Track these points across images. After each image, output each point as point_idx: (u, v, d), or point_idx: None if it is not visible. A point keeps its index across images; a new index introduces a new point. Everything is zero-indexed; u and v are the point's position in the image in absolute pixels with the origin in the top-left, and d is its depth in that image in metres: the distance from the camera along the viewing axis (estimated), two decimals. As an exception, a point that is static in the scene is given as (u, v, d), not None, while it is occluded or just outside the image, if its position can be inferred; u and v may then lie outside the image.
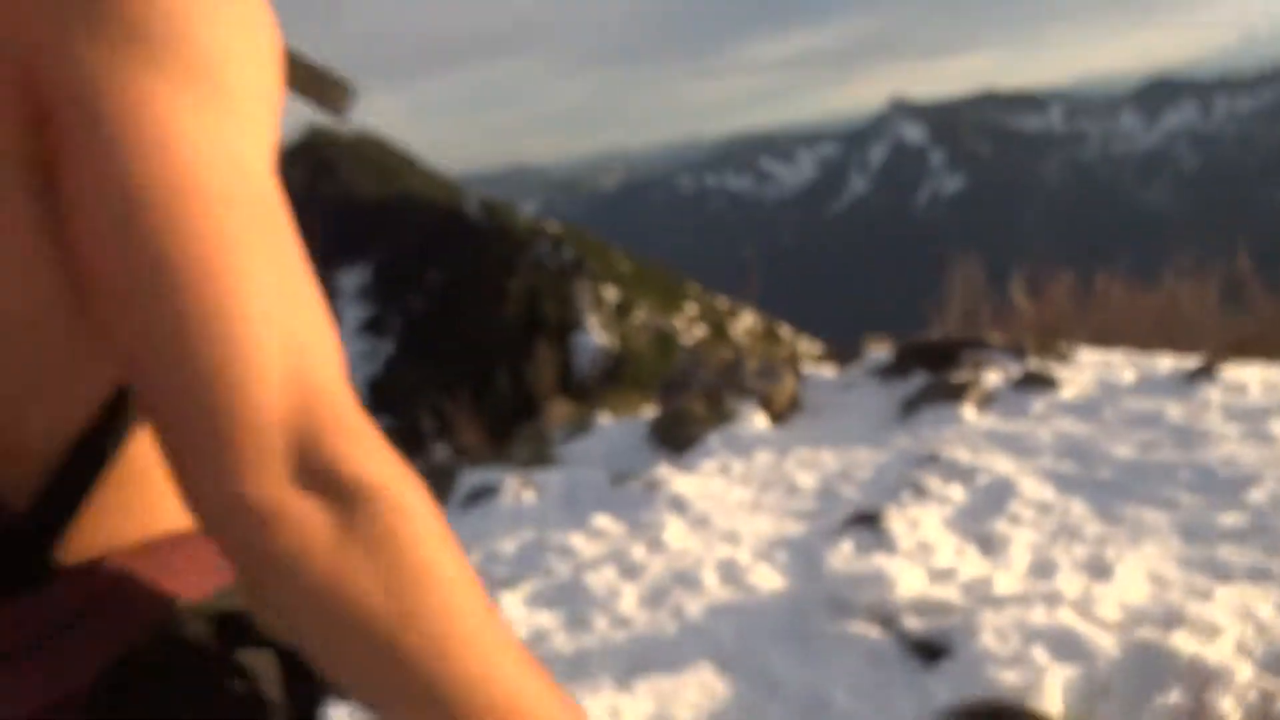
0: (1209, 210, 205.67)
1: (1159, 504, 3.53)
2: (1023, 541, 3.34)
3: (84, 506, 0.53)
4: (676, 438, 5.02)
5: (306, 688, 0.56)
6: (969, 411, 4.85)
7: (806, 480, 4.31)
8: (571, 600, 3.30)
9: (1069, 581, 2.96)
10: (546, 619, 3.17)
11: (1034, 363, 5.40)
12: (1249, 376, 4.77)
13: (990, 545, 3.36)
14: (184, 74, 0.46)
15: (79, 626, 0.51)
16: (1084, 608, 2.75)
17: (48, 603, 0.51)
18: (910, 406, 5.07)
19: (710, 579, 3.30)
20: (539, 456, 5.15)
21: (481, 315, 76.33)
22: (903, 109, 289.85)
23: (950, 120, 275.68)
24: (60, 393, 0.52)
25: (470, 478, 4.86)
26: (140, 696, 0.51)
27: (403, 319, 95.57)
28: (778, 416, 5.29)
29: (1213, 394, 4.61)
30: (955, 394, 4.96)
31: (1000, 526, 3.48)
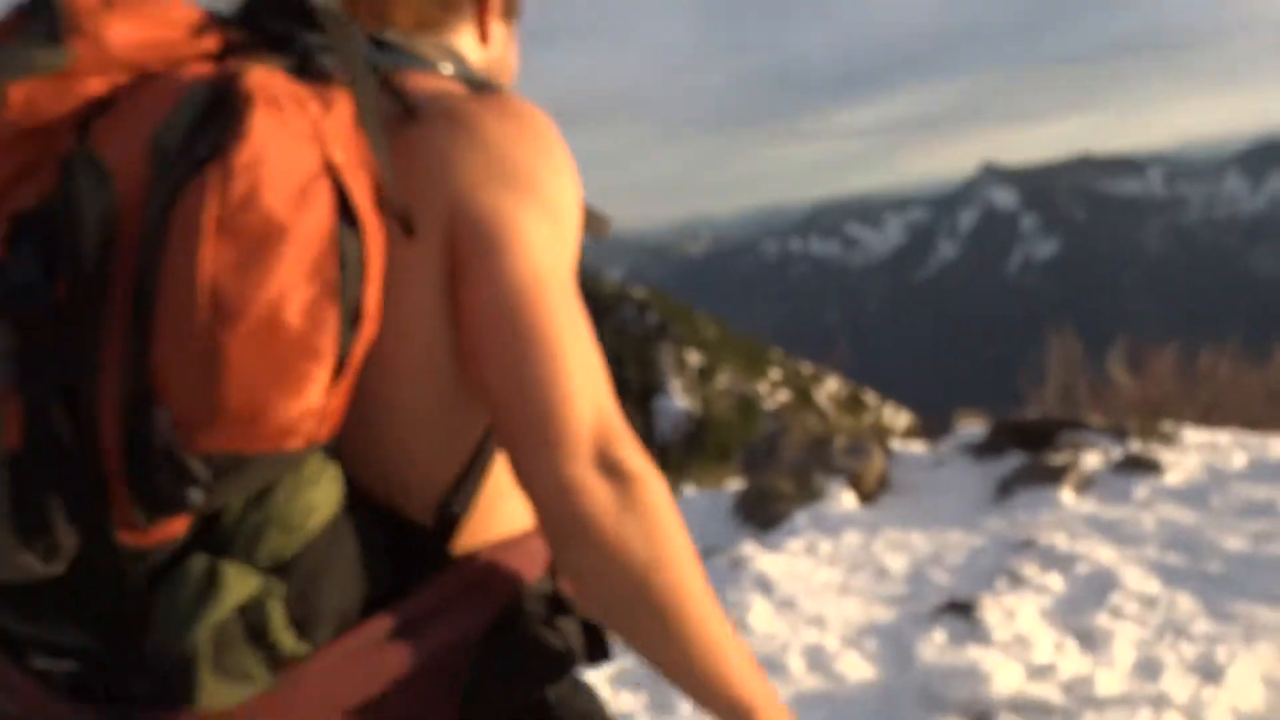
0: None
1: (1274, 601, 3.36)
2: (1126, 637, 3.20)
3: (465, 517, 0.80)
4: (763, 514, 4.98)
5: (598, 650, 0.84)
6: (1068, 495, 4.70)
7: (896, 563, 4.22)
8: (656, 683, 3.27)
9: (1177, 683, 2.83)
10: (630, 701, 3.15)
11: (1136, 445, 5.22)
12: (1372, 464, 4.53)
13: (1091, 640, 3.23)
14: (540, 207, 0.76)
15: (462, 601, 0.78)
16: (1193, 713, 2.63)
17: (443, 585, 0.78)
18: (1005, 488, 4.94)
19: (797, 665, 3.24)
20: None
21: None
22: (994, 173, 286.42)
23: (1043, 185, 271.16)
24: (450, 435, 0.80)
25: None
26: (501, 649, 0.79)
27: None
28: (867, 495, 5.21)
29: (1332, 482, 4.39)
30: (1053, 476, 4.81)
31: (1102, 620, 3.35)
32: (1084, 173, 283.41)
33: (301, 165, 0.63)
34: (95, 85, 0.64)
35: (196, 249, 0.59)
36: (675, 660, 0.76)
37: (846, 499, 5.08)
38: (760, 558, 4.32)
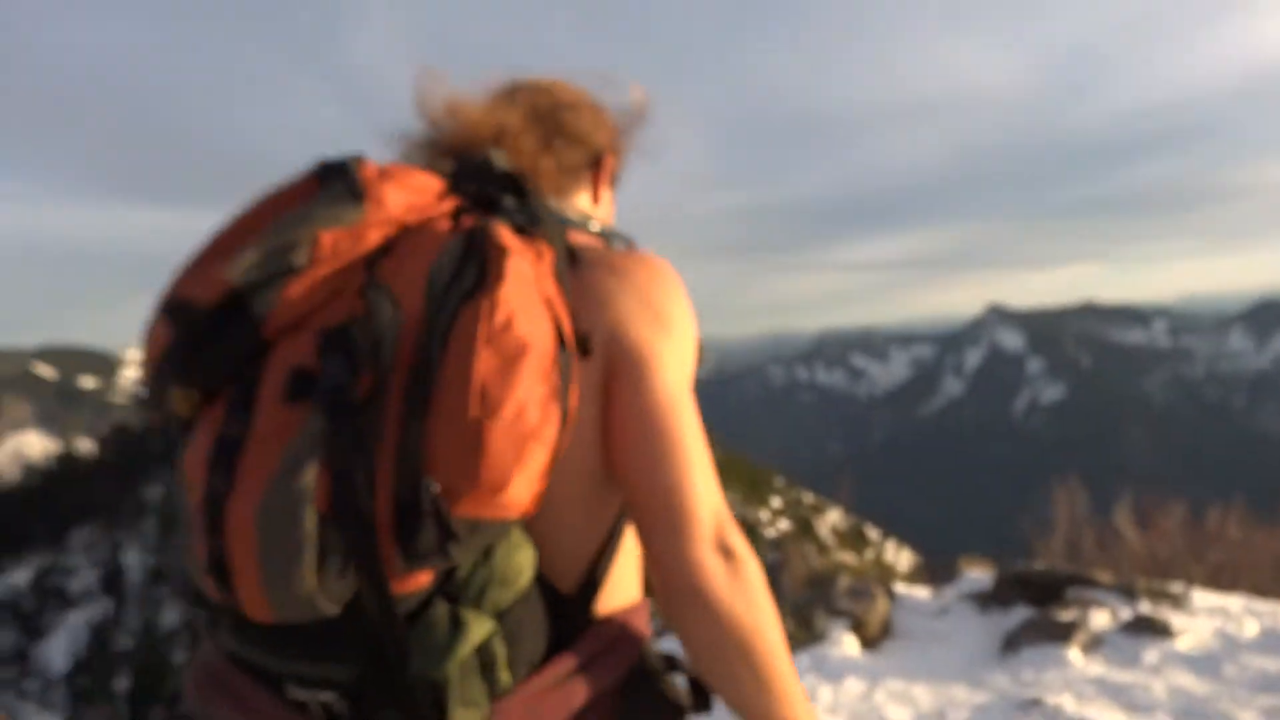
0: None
1: (1291, 785, 3.24)
2: (1138, 814, 3.08)
3: (601, 586, 0.97)
4: (762, 654, 4.86)
5: (702, 702, 1.00)
6: (1075, 655, 4.59)
7: (899, 716, 4.10)
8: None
9: None
10: None
11: (1145, 605, 5.12)
12: (1387, 642, 4.43)
13: (1101, 815, 3.11)
14: (673, 340, 0.97)
15: (606, 656, 0.95)
16: None
17: (591, 642, 0.94)
18: (1011, 643, 4.83)
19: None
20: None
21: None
22: (1001, 314, 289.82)
23: (1050, 329, 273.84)
24: (591, 517, 0.97)
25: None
26: (638, 698, 0.96)
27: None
28: (869, 641, 5.09)
29: (1346, 659, 4.28)
30: (1060, 634, 4.71)
31: (1112, 793, 3.23)
32: (1090, 319, 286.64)
33: (534, 299, 0.86)
34: (376, 235, 0.86)
35: (472, 360, 0.80)
36: (764, 709, 0.96)
37: (849, 643, 4.97)
38: (759, 701, 4.19)
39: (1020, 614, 5.17)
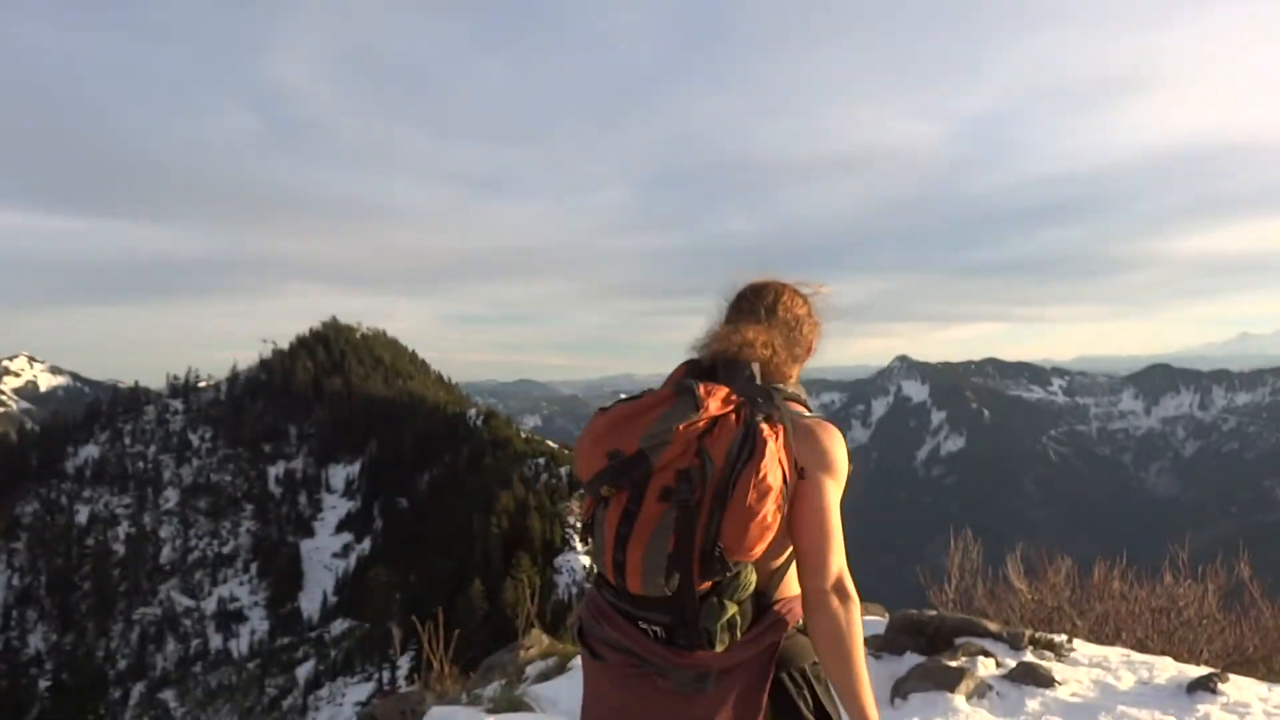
0: (1207, 498, 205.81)
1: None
2: None
3: (776, 590, 2.02)
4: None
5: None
6: (961, 701, 4.65)
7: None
8: None
9: None
10: None
11: (1030, 654, 5.24)
12: (1250, 694, 4.61)
13: None
14: (834, 477, 2.01)
15: (777, 625, 2.00)
16: None
17: (770, 617, 1.99)
18: (900, 688, 4.88)
19: None
20: (509, 700, 4.91)
21: (464, 524, 74.79)
22: (908, 366, 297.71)
23: (953, 382, 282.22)
24: (774, 557, 1.98)
25: (436, 716, 4.62)
26: (793, 651, 2.02)
27: (385, 520, 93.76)
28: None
29: (1213, 711, 4.44)
30: (948, 681, 4.78)
31: (989, 842, 3.25)
32: (991, 374, 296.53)
33: (777, 460, 1.88)
34: (703, 424, 1.87)
35: (748, 492, 1.83)
36: (847, 681, 1.95)
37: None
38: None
39: (911, 660, 5.23)
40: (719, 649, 1.89)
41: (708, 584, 1.86)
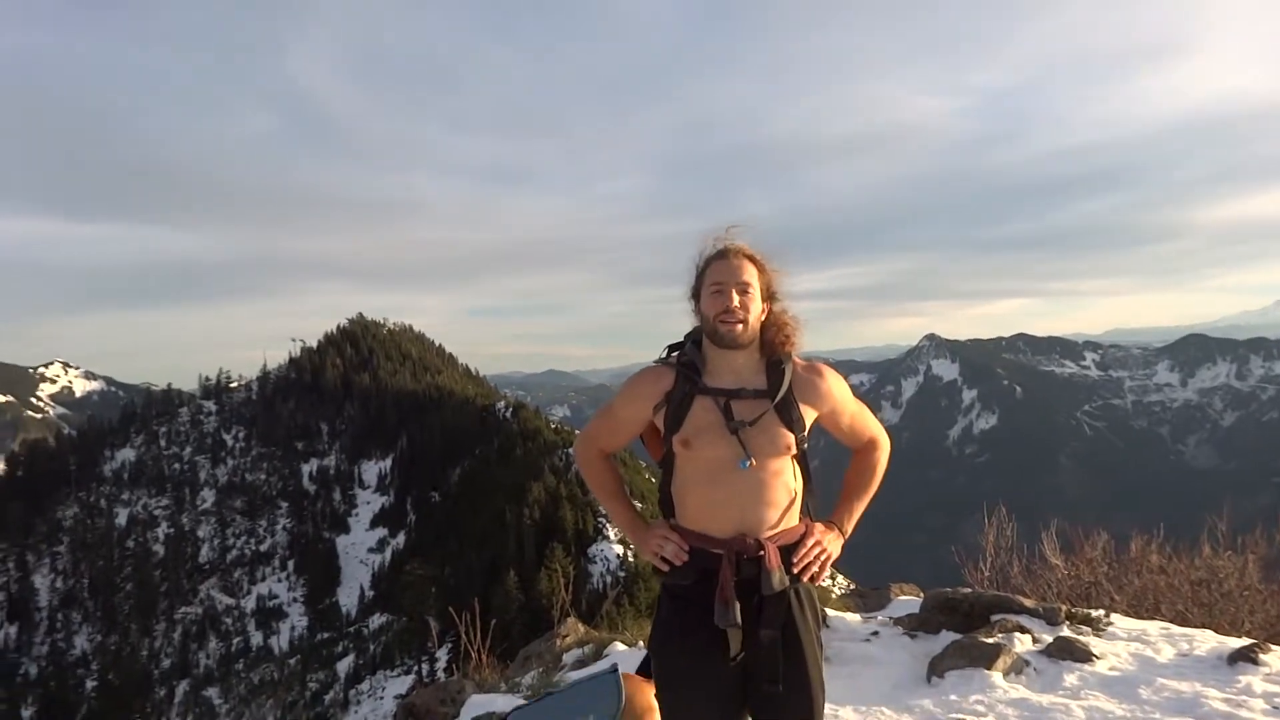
0: (1247, 469, 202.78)
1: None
2: (1055, 837, 3.10)
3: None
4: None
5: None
6: (998, 677, 4.64)
7: (825, 740, 4.09)
8: None
9: None
10: None
11: (1067, 630, 5.20)
12: (1294, 665, 4.55)
13: (1019, 838, 3.12)
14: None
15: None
16: None
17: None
18: (936, 666, 4.87)
19: None
20: (547, 687, 4.96)
21: (497, 516, 75.21)
22: (937, 344, 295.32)
23: (984, 359, 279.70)
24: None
25: (475, 705, 4.67)
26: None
27: (418, 514, 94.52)
28: (798, 664, 5.08)
29: (1255, 681, 4.40)
30: (985, 657, 4.76)
31: (1030, 816, 3.24)
32: (1022, 350, 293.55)
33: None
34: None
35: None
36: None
37: (777, 667, 4.95)
38: None
39: (947, 638, 5.22)
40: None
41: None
